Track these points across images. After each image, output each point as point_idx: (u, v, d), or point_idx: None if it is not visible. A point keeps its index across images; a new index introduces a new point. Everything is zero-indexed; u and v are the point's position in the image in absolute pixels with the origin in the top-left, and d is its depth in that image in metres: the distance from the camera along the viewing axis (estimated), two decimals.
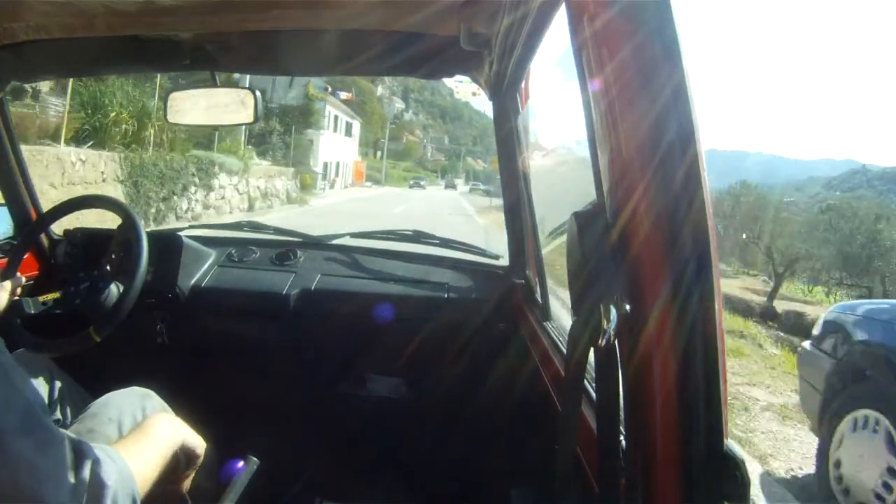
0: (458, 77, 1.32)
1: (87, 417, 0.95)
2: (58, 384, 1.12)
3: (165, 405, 1.04)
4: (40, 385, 1.09)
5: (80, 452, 0.58)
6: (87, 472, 0.57)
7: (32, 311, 1.20)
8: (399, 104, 74.87)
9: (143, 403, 1.00)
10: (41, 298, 1.22)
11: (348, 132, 34.13)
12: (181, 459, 0.86)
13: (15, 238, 1.48)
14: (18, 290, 1.21)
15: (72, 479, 0.56)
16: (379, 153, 56.35)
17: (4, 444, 0.51)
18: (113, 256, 1.28)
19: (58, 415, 1.09)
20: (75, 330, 1.16)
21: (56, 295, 1.24)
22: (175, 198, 10.25)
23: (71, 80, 7.92)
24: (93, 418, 0.94)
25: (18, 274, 1.25)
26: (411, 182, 45.92)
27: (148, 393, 1.03)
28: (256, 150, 17.63)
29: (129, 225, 1.27)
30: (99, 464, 0.60)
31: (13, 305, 1.16)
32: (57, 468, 0.55)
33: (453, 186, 55.13)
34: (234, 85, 1.40)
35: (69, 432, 0.61)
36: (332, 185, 27.35)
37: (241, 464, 1.01)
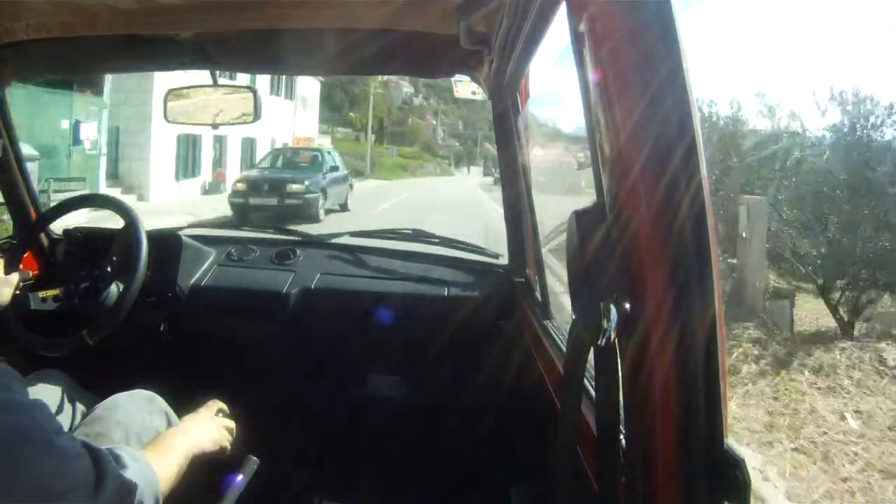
0: (458, 76, 1.32)
1: (94, 420, 0.96)
2: (62, 384, 1.12)
3: (168, 408, 1.05)
4: (45, 388, 1.10)
5: (103, 463, 0.61)
6: (111, 482, 0.60)
7: (32, 307, 1.20)
8: (408, 88, 63.06)
9: (148, 406, 1.01)
10: (41, 294, 1.23)
11: (278, 89, 18.94)
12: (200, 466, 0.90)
13: (14, 237, 1.48)
14: (21, 286, 1.22)
15: (96, 492, 0.58)
16: (376, 137, 42.94)
17: (21, 476, 0.54)
18: (115, 258, 1.28)
19: (62, 415, 1.09)
20: (73, 329, 1.16)
21: (56, 292, 1.25)
22: None
23: None
24: (100, 422, 0.96)
25: (23, 268, 1.25)
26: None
27: (152, 396, 1.04)
28: None
29: (129, 224, 1.27)
30: (124, 468, 0.63)
31: (14, 301, 1.17)
32: (80, 484, 0.57)
33: (491, 174, 40.29)
34: (234, 84, 1.40)
35: (87, 439, 0.64)
36: (212, 185, 14.47)
37: (238, 475, 1.02)
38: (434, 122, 64.05)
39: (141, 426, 0.97)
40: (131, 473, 0.63)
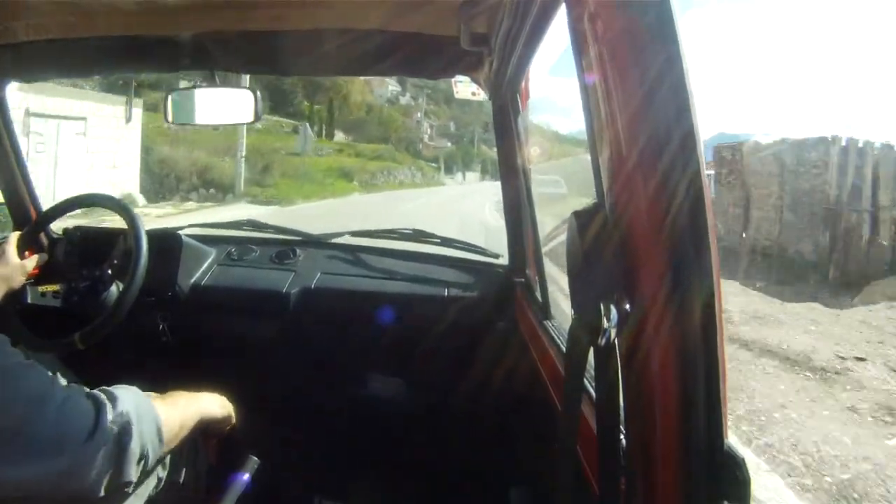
0: (458, 77, 1.32)
1: None
2: (60, 371, 1.12)
3: None
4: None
5: (100, 406, 0.61)
6: (108, 424, 0.61)
7: (29, 300, 1.20)
8: (394, 87, 47.47)
9: None
10: (41, 289, 1.23)
11: None
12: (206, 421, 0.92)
13: None
14: (34, 270, 1.21)
15: (93, 435, 0.59)
16: (324, 131, 29.52)
17: (23, 433, 0.55)
18: (115, 262, 1.29)
19: None
20: (71, 328, 1.16)
21: (56, 287, 1.25)
22: None
23: None
24: None
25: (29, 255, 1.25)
26: None
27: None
28: None
29: (130, 225, 1.27)
30: (115, 401, 0.63)
31: (13, 293, 1.16)
32: (79, 430, 0.58)
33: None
34: (234, 85, 1.40)
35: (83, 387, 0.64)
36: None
37: (238, 474, 1.02)
38: (418, 114, 49.07)
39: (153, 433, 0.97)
40: (124, 401, 0.64)
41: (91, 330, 1.16)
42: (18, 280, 1.15)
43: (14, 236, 1.20)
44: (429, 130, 51.80)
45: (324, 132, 30.18)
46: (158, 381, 1.08)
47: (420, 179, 31.76)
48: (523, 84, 1.21)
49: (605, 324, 0.41)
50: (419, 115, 50.07)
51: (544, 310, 1.20)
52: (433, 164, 42.11)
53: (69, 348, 1.14)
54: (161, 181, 14.96)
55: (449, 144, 52.16)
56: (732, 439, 0.41)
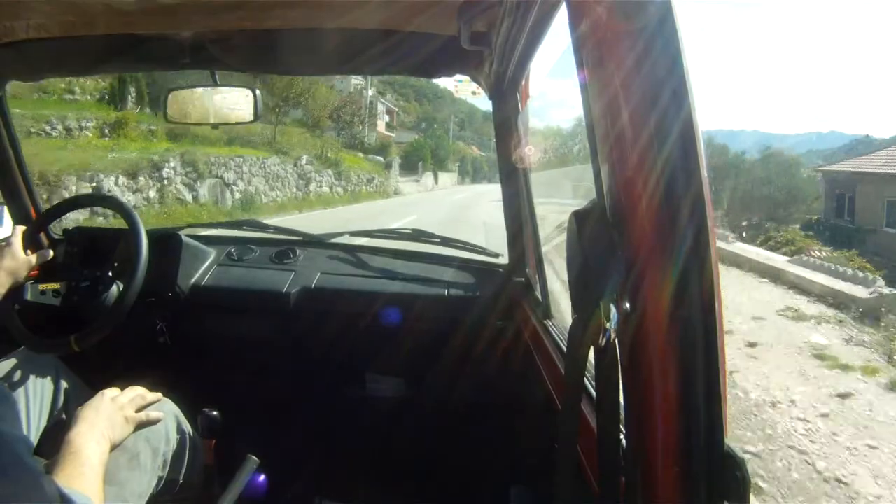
0: (458, 76, 1.32)
1: None
2: (64, 383, 1.12)
3: (178, 410, 1.05)
4: (46, 383, 1.10)
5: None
6: None
7: (28, 298, 1.20)
8: (355, 79, 32.17)
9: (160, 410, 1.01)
10: (41, 287, 1.23)
11: None
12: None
13: None
14: (34, 271, 1.20)
15: None
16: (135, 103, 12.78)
17: None
18: (116, 263, 1.29)
19: (63, 415, 1.09)
20: (68, 329, 1.16)
21: (56, 286, 1.25)
22: None
23: None
24: None
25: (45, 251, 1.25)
26: None
27: (164, 400, 1.04)
28: None
29: (130, 226, 1.27)
30: None
31: (15, 289, 1.16)
32: None
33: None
34: (234, 84, 1.40)
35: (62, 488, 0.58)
36: None
37: (241, 473, 1.01)
38: (367, 91, 31.84)
39: (154, 432, 0.97)
40: None
41: (88, 332, 1.15)
42: (23, 275, 1.15)
43: (20, 230, 1.19)
44: (385, 114, 36.93)
45: (144, 100, 15.02)
46: (158, 381, 1.08)
47: (332, 187, 17.17)
48: (523, 83, 1.21)
49: (605, 324, 0.41)
50: (370, 95, 32.76)
51: (544, 310, 1.20)
52: (377, 159, 26.40)
53: (65, 349, 1.14)
54: None
55: (417, 137, 38.26)
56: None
